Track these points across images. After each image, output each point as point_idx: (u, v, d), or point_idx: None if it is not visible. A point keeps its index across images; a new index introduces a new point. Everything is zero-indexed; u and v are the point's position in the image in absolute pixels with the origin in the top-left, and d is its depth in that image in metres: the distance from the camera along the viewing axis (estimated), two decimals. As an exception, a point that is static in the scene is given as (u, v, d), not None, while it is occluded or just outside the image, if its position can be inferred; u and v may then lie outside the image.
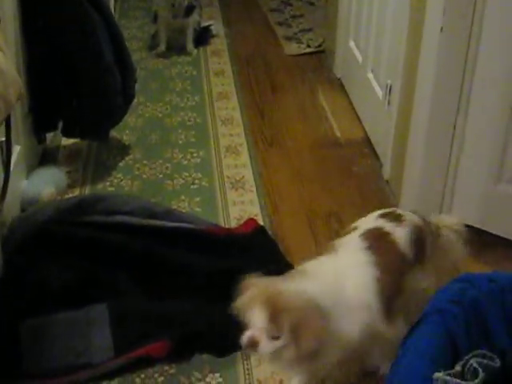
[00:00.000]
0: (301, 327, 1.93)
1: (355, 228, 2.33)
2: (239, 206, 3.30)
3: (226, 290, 2.69)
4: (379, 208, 3.15)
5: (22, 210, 3.13)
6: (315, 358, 2.00)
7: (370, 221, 2.36)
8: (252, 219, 3.12)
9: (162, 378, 2.41)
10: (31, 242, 2.75)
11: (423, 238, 2.34)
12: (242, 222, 3.14)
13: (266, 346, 1.97)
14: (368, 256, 2.18)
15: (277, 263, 2.84)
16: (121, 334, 2.44)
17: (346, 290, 2.08)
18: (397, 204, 3.28)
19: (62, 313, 2.49)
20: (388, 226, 2.28)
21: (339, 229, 3.15)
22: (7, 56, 2.30)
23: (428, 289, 2.30)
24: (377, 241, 2.23)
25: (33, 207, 3.06)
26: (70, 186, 3.42)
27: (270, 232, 3.08)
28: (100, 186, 3.46)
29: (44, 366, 2.39)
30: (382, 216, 2.36)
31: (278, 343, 1.96)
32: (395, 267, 2.20)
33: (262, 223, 3.14)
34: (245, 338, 1.99)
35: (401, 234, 2.26)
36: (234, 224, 3.15)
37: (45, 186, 3.25)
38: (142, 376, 2.43)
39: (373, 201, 3.39)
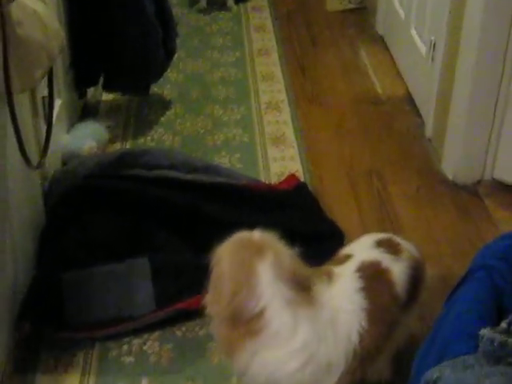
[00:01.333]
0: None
1: (349, 256, 2.08)
2: (280, 163, 3.29)
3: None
4: (420, 167, 3.16)
5: (64, 164, 3.14)
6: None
7: (366, 249, 2.11)
8: (293, 175, 3.11)
9: (203, 332, 2.42)
10: (73, 196, 2.76)
11: (420, 274, 2.12)
12: (282, 178, 3.13)
13: None
14: (360, 299, 1.92)
15: (317, 219, 2.83)
16: (162, 287, 2.45)
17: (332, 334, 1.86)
18: (439, 162, 3.25)
19: (103, 265, 2.50)
20: (386, 258, 2.03)
21: (380, 186, 3.14)
22: (49, 7, 2.29)
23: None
24: (372, 281, 1.97)
25: (74, 161, 3.07)
26: (111, 141, 3.44)
27: (310, 187, 3.07)
28: (141, 141, 3.46)
29: (86, 318, 2.42)
30: (379, 244, 2.10)
31: None
32: (386, 317, 1.96)
33: (302, 179, 3.12)
34: None
35: (398, 272, 2.01)
36: (274, 180, 3.15)
37: (86, 140, 3.26)
38: (183, 329, 2.45)
39: (414, 159, 3.36)
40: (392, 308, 1.97)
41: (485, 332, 1.32)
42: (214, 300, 1.83)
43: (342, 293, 1.93)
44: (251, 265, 1.74)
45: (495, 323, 1.37)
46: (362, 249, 2.11)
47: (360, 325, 1.88)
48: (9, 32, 2.01)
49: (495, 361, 1.29)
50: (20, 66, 2.09)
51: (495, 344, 1.30)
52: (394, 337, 2.03)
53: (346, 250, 2.13)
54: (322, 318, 1.83)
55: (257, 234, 1.87)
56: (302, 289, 1.81)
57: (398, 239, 2.14)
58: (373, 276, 1.97)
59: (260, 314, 1.73)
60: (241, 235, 1.85)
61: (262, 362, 1.82)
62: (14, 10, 2.04)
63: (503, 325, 1.36)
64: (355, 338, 1.86)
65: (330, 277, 1.96)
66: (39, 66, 2.18)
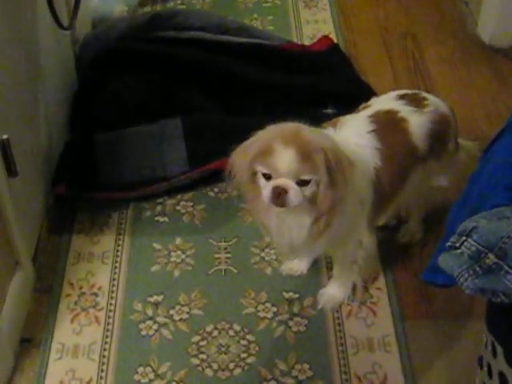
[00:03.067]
0: (336, 166, 1.68)
1: (368, 106, 2.05)
2: (312, 25, 3.24)
3: (303, 105, 2.69)
4: (456, 30, 3.09)
5: (94, 28, 3.11)
6: (337, 214, 1.78)
7: (387, 100, 2.07)
8: (326, 36, 3.06)
9: (236, 192, 2.42)
10: (105, 58, 2.74)
11: (445, 128, 2.06)
12: (315, 40, 3.07)
13: (296, 193, 1.70)
14: (372, 139, 1.90)
15: (351, 81, 2.80)
16: (195, 147, 2.46)
17: None
18: (475, 25, 3.18)
19: (136, 127, 2.51)
20: (405, 109, 1.99)
21: (414, 49, 3.10)
22: None
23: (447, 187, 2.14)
24: (385, 126, 1.94)
25: (105, 24, 3.03)
26: (141, 4, 3.39)
27: (343, 49, 3.03)
28: (171, 4, 3.41)
29: (120, 179, 2.44)
30: (402, 97, 2.05)
31: (309, 189, 1.72)
32: (399, 160, 1.94)
33: (336, 41, 3.08)
34: (268, 189, 1.70)
35: (416, 123, 1.97)
36: (307, 43, 3.10)
37: (116, 3, 3.21)
38: (216, 190, 2.48)
39: (450, 21, 3.29)
40: (406, 154, 1.96)
41: (523, 184, 1.31)
42: (238, 157, 1.80)
43: (353, 132, 1.92)
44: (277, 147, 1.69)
45: (534, 176, 1.36)
46: (382, 100, 2.09)
47: (374, 162, 1.88)
48: None
49: (531, 214, 1.28)
50: None
51: (533, 196, 1.29)
52: (412, 186, 2.04)
53: (368, 103, 2.09)
54: None
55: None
56: None
57: (425, 94, 2.10)
58: (387, 122, 1.95)
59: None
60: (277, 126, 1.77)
61: (288, 225, 1.84)
62: None
63: (542, 177, 1.34)
64: (372, 174, 1.87)
65: (340, 123, 1.94)
66: None
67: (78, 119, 2.62)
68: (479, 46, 3.14)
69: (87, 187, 2.40)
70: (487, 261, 1.23)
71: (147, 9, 3.37)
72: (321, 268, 2.23)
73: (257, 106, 2.66)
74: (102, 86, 2.66)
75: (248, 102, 2.68)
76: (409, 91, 2.12)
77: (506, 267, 1.21)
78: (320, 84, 2.74)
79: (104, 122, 2.55)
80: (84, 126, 2.56)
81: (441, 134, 2.04)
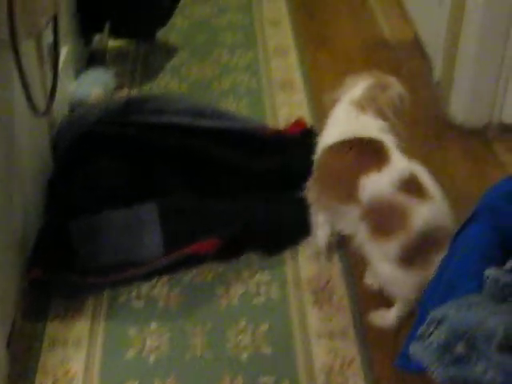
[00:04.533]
0: None
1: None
2: (287, 108, 3.28)
3: (275, 189, 2.72)
4: (428, 110, 3.16)
5: (71, 112, 3.14)
6: None
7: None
8: (301, 120, 3.09)
9: (211, 276, 2.45)
10: (80, 143, 2.76)
11: None
12: (290, 123, 3.11)
13: None
14: None
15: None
16: (170, 231, 2.47)
17: None
18: (447, 106, 3.24)
19: (112, 211, 2.52)
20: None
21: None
22: (54, -47, 2.27)
23: None
24: None
25: (81, 108, 3.07)
26: (118, 88, 3.43)
27: (318, 133, 3.06)
28: (147, 88, 3.46)
29: (95, 264, 2.43)
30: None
31: None
32: None
33: (310, 124, 3.12)
34: None
35: None
36: (282, 125, 3.14)
37: (93, 87, 3.26)
38: (192, 274, 2.48)
39: (422, 103, 3.34)
40: None
41: (490, 272, 1.33)
42: None
43: None
44: None
45: (500, 264, 1.38)
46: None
47: None
48: (13, -22, 2.00)
49: (500, 300, 1.30)
50: (24, 13, 2.07)
51: (500, 284, 1.31)
52: None
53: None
54: None
55: None
56: None
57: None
58: None
59: None
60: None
61: None
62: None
63: (508, 265, 1.37)
64: None
65: None
66: (44, 13, 2.17)
67: (54, 203, 2.62)
68: (451, 126, 3.19)
69: (63, 271, 2.40)
70: (457, 350, 1.24)
71: (124, 92, 3.41)
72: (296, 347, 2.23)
73: (231, 188, 2.69)
74: (77, 170, 2.68)
75: (223, 186, 2.71)
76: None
77: (475, 356, 1.22)
78: (293, 167, 2.78)
79: (80, 206, 2.56)
80: (60, 210, 2.57)
81: None
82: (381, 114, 2.30)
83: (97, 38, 3.73)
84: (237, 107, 3.28)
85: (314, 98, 3.35)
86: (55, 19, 2.45)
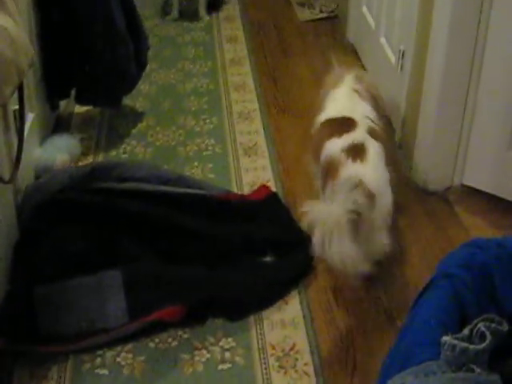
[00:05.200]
0: None
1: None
2: (252, 172, 3.31)
3: (239, 255, 2.74)
4: (390, 174, 3.19)
5: (37, 178, 3.15)
6: None
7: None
8: (265, 186, 3.13)
9: (176, 343, 2.45)
10: (45, 209, 2.77)
11: None
12: (255, 187, 3.15)
13: None
14: None
15: (288, 229, 2.85)
16: (135, 298, 2.47)
17: None
18: (409, 168, 3.29)
19: (76, 279, 2.52)
20: None
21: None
22: (18, 23, 2.30)
23: None
24: None
25: (47, 174, 3.08)
26: (84, 153, 3.45)
27: (282, 198, 3.10)
28: (113, 153, 3.48)
29: (59, 332, 2.43)
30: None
31: None
32: None
33: (274, 189, 3.15)
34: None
35: None
36: (246, 190, 3.17)
37: (58, 153, 3.28)
38: (156, 340, 2.47)
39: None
40: None
41: (446, 339, 1.35)
42: None
43: None
44: None
45: (457, 331, 1.40)
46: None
47: None
48: (-22, 49, 2.03)
49: (457, 367, 1.32)
50: (-11, 83, 2.10)
51: (457, 351, 1.33)
52: None
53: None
54: None
55: None
56: None
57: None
58: None
59: None
60: None
61: None
62: (-17, 28, 2.06)
63: (465, 332, 1.39)
64: None
65: None
66: (9, 83, 2.19)
67: (18, 270, 2.62)
68: (413, 189, 3.23)
69: (26, 340, 2.39)
70: (415, 419, 1.25)
71: (90, 158, 3.43)
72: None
73: (195, 255, 2.70)
74: (42, 237, 2.68)
75: (187, 252, 2.72)
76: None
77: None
78: (257, 232, 2.81)
79: (44, 273, 2.55)
80: (24, 277, 2.56)
81: None
82: (371, 99, 2.96)
83: (62, 103, 3.75)
84: (202, 172, 3.30)
85: (278, 162, 3.39)
86: (21, 87, 2.48)
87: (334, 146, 2.63)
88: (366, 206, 2.37)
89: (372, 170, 2.54)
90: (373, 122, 2.82)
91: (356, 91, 2.94)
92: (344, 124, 2.73)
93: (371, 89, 3.02)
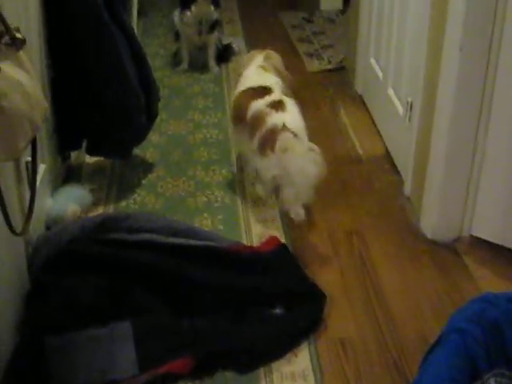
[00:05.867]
0: None
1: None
2: (261, 224, 3.33)
3: (248, 307, 2.74)
4: (400, 225, 3.22)
5: (47, 228, 3.17)
6: None
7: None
8: (274, 237, 3.14)
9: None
10: (56, 261, 2.79)
11: None
12: (264, 239, 3.16)
13: None
14: None
15: (299, 282, 2.86)
16: (145, 350, 2.47)
17: None
18: (418, 220, 3.31)
19: (87, 330, 2.52)
20: None
21: (360, 246, 3.18)
22: (33, 77, 2.33)
23: None
24: None
25: (58, 226, 3.10)
26: (95, 204, 3.46)
27: (291, 249, 3.10)
28: (124, 204, 3.50)
29: (71, 383, 2.42)
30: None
31: None
32: None
33: (283, 240, 3.16)
34: None
35: None
36: (256, 241, 3.18)
37: (69, 204, 3.30)
38: (166, 392, 2.47)
39: (394, 217, 3.41)
40: None
41: (457, 395, 1.35)
42: None
43: None
44: None
45: (468, 386, 1.40)
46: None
47: None
48: (-7, 104, 2.06)
49: (468, 424, 1.32)
50: (3, 137, 2.12)
51: (468, 407, 1.33)
52: None
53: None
54: None
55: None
56: None
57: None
58: None
59: None
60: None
61: None
62: (-1, 82, 2.09)
63: (475, 387, 1.39)
64: None
65: None
66: (23, 137, 2.21)
67: (29, 321, 2.62)
68: (423, 240, 3.24)
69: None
70: None
71: (100, 208, 3.45)
72: None
73: (205, 307, 2.71)
74: (53, 288, 2.69)
75: (197, 304, 2.72)
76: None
77: None
78: (266, 284, 2.81)
79: (55, 324, 2.56)
80: (34, 328, 2.56)
81: None
82: (277, 73, 3.67)
83: (73, 154, 3.79)
84: (212, 223, 3.32)
85: (287, 213, 3.40)
86: (34, 139, 2.50)
87: (259, 104, 3.33)
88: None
89: (291, 117, 3.29)
90: (282, 88, 3.55)
91: (263, 67, 3.66)
92: (262, 90, 3.44)
93: (277, 65, 3.73)
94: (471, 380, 1.45)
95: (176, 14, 5.18)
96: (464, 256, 3.14)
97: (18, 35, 2.26)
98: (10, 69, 2.17)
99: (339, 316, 2.78)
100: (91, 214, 3.35)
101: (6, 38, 2.20)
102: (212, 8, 5.09)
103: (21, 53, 2.26)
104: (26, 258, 2.82)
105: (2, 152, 2.14)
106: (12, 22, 2.31)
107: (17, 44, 2.24)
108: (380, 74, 4.17)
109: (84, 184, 3.62)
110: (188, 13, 5.01)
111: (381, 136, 4.13)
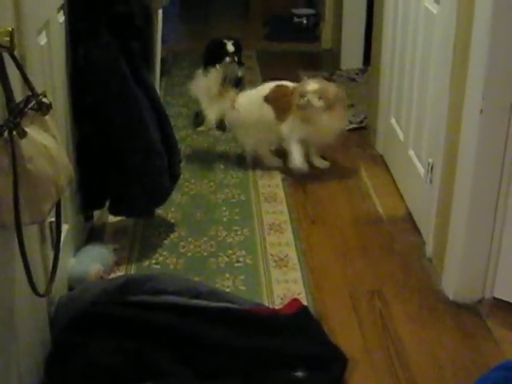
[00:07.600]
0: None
1: None
2: (283, 285, 3.33)
3: (270, 370, 2.73)
4: (421, 286, 3.21)
5: (70, 288, 3.18)
6: None
7: None
8: (296, 299, 3.13)
9: None
10: (79, 322, 2.80)
11: None
12: (285, 300, 3.16)
13: None
14: None
15: (320, 344, 2.85)
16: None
17: None
18: (440, 282, 3.30)
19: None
20: None
21: (381, 307, 3.17)
22: (58, 142, 2.37)
23: None
24: None
25: (80, 287, 3.11)
26: (117, 264, 3.48)
27: (312, 310, 3.10)
28: (146, 264, 3.51)
29: None
30: None
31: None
32: None
33: (305, 301, 3.16)
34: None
35: None
36: (277, 302, 3.18)
37: (92, 263, 3.31)
38: None
39: (415, 278, 3.40)
40: None
41: None
42: None
43: None
44: None
45: None
46: None
47: None
48: (20, 168, 2.10)
49: None
50: (29, 200, 2.16)
51: None
52: None
53: None
54: None
55: None
56: None
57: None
58: None
59: None
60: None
61: None
62: (25, 146, 2.12)
63: None
64: None
65: None
66: (48, 200, 2.25)
67: (51, 382, 2.63)
68: (444, 302, 3.23)
69: None
70: None
71: (122, 268, 3.46)
72: None
73: (226, 370, 2.70)
74: (75, 350, 2.70)
75: (218, 367, 2.72)
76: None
77: None
78: (288, 347, 2.80)
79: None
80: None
81: None
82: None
83: (96, 213, 3.82)
84: (233, 284, 3.33)
85: (308, 274, 3.40)
86: (58, 201, 2.54)
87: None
88: None
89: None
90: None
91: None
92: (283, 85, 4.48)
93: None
94: None
95: (199, 72, 5.24)
96: (487, 319, 3.12)
97: (45, 100, 2.31)
98: (36, 133, 2.21)
99: (361, 378, 2.76)
100: (114, 274, 3.36)
101: (33, 103, 2.25)
102: (237, 66, 5.28)
103: (47, 117, 2.31)
104: (48, 317, 2.83)
105: (27, 215, 2.17)
106: (39, 87, 2.37)
107: (43, 108, 2.28)
108: (401, 135, 4.19)
109: (106, 244, 3.64)
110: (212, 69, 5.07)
111: (402, 196, 4.15)
